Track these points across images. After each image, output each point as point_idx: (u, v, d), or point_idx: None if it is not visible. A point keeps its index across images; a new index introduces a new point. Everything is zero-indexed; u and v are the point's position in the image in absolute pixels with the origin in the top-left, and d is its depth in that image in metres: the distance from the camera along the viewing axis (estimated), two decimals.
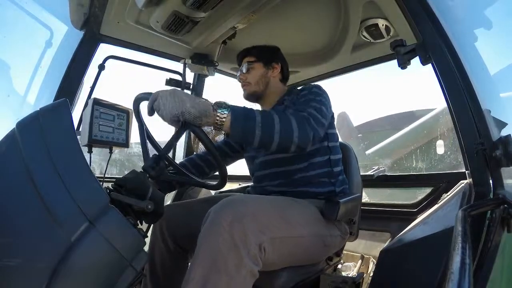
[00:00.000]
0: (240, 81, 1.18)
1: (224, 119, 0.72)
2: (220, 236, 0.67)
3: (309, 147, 0.85)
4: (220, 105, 0.72)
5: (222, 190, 0.94)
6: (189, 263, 0.81)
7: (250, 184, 1.22)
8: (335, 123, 1.15)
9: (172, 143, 0.78)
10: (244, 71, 1.15)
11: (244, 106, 0.78)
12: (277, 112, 0.80)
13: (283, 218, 0.81)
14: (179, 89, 0.72)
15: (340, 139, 1.18)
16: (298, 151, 0.83)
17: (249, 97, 1.17)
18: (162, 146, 0.99)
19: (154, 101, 0.70)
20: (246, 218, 0.70)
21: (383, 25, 1.39)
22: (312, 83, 1.07)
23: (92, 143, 1.11)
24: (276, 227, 0.77)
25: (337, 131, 1.13)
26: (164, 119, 0.69)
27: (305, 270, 0.96)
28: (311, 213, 0.92)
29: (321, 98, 0.98)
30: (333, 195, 1.03)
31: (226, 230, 0.67)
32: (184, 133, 1.84)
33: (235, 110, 0.74)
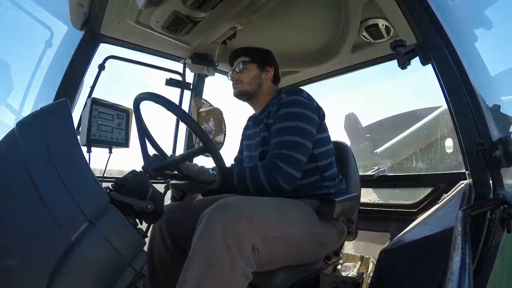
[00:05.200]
0: (232, 80, 1.19)
1: (214, 181, 0.90)
2: (213, 239, 0.67)
3: (288, 185, 0.92)
4: (214, 172, 0.93)
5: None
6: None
7: None
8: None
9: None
10: (237, 70, 1.16)
11: (229, 170, 0.94)
12: (250, 171, 0.93)
13: (277, 218, 0.81)
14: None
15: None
16: (283, 190, 0.92)
17: (239, 95, 1.18)
18: (162, 145, 0.99)
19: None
20: (240, 221, 0.70)
21: (383, 25, 1.39)
22: (294, 92, 1.03)
23: (90, 142, 1.12)
24: (270, 227, 0.77)
25: (328, 134, 1.10)
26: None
27: (302, 269, 0.96)
28: (306, 211, 0.92)
29: (298, 121, 0.97)
30: (329, 196, 1.02)
31: (219, 233, 0.67)
32: (185, 133, 1.85)
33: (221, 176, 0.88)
